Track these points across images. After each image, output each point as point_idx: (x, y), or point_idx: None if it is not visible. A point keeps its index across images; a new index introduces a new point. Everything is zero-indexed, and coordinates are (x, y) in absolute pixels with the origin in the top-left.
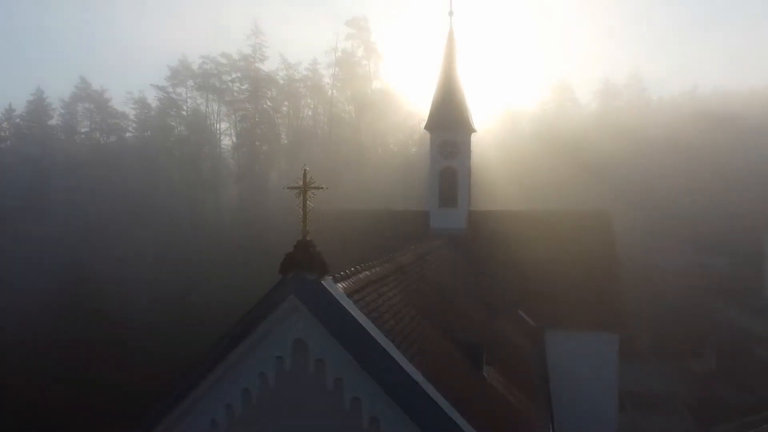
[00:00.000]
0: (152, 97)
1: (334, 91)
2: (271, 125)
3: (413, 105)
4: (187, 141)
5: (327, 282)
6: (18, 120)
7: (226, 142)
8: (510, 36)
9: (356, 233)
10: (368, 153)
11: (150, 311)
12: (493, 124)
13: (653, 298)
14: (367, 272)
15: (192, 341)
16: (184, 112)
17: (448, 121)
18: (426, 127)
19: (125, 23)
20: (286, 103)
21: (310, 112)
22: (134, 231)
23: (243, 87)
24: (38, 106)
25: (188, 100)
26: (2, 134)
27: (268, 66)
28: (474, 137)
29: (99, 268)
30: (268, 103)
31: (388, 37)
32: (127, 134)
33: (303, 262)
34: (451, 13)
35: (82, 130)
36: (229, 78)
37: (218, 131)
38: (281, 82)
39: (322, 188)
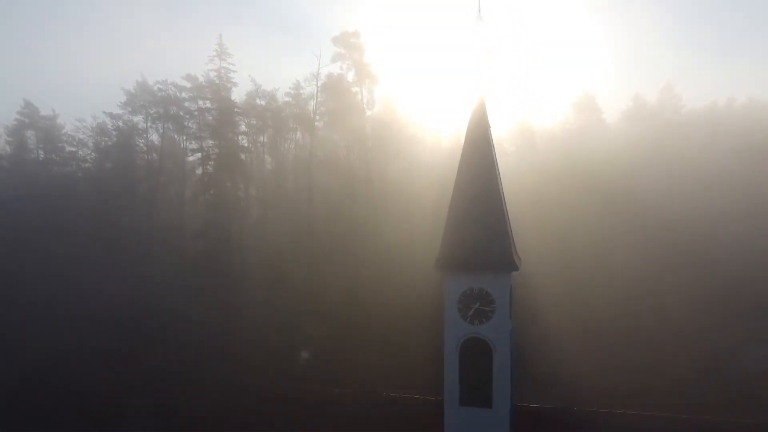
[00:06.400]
0: (106, 126)
1: (319, 125)
2: (240, 167)
3: (419, 125)
4: (143, 182)
5: None
6: None
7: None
8: (528, 44)
9: None
10: (361, 186)
11: None
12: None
13: None
14: None
15: None
16: (142, 145)
17: (476, 256)
18: (436, 266)
19: (72, 36)
20: (263, 138)
21: (292, 147)
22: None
23: (206, 119)
24: None
25: (149, 131)
26: None
27: (237, 94)
28: None
29: None
30: (242, 140)
31: (383, 47)
32: (87, 164)
33: None
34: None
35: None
36: (192, 107)
37: (185, 170)
38: (260, 105)
39: None
